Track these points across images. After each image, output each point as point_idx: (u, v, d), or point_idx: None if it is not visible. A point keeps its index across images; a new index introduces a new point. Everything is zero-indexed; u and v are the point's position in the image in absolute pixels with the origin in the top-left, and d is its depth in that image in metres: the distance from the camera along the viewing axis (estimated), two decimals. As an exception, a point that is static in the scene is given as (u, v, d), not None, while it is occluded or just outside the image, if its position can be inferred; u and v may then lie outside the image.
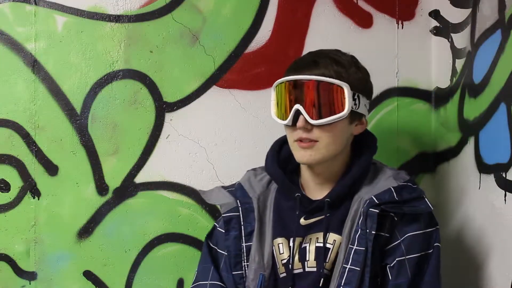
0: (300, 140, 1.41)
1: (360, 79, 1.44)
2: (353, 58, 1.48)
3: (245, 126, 1.85)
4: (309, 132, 1.40)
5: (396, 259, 1.37)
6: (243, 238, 1.49)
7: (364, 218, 1.36)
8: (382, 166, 1.51)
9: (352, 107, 1.40)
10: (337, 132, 1.41)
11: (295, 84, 1.41)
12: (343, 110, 1.39)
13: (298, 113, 1.40)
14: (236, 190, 1.55)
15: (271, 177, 1.54)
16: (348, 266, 1.36)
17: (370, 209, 1.36)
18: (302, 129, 1.40)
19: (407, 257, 1.37)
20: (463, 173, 1.67)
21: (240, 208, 1.51)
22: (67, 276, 1.81)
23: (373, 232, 1.35)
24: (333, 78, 1.39)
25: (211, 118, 1.84)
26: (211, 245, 1.58)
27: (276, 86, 1.47)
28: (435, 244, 1.40)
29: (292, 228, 1.46)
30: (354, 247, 1.36)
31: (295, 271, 1.44)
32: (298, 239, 1.45)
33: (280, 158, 1.54)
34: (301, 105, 1.39)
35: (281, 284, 1.45)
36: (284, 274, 1.45)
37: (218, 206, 1.55)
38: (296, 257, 1.44)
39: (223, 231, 1.52)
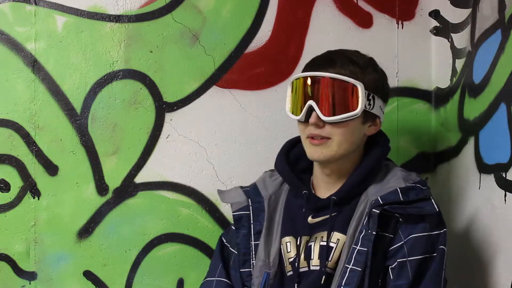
0: (312, 137, 1.43)
1: (376, 80, 1.45)
2: (371, 60, 1.50)
3: (245, 126, 1.85)
4: (321, 129, 1.42)
5: (398, 260, 1.37)
6: (252, 236, 1.51)
7: (368, 219, 1.37)
8: (394, 167, 1.50)
9: (366, 107, 1.41)
10: (349, 130, 1.42)
11: (310, 81, 1.43)
12: (356, 108, 1.40)
13: (311, 109, 1.41)
14: (251, 189, 1.57)
15: (280, 174, 1.56)
16: (350, 266, 1.36)
17: (373, 210, 1.36)
18: (314, 125, 1.42)
19: (408, 258, 1.36)
20: (463, 173, 1.67)
21: (250, 207, 1.53)
22: (67, 276, 1.81)
23: (373, 232, 1.35)
24: (348, 77, 1.40)
25: (211, 118, 1.84)
26: (224, 242, 1.60)
27: (292, 82, 1.48)
28: (440, 247, 1.38)
29: (300, 227, 1.48)
30: (358, 247, 1.37)
31: (301, 270, 1.45)
32: (305, 238, 1.47)
33: (291, 157, 1.56)
34: (314, 101, 1.41)
35: (288, 282, 1.46)
36: (291, 273, 1.46)
37: (230, 205, 1.57)
38: (302, 256, 1.45)
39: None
